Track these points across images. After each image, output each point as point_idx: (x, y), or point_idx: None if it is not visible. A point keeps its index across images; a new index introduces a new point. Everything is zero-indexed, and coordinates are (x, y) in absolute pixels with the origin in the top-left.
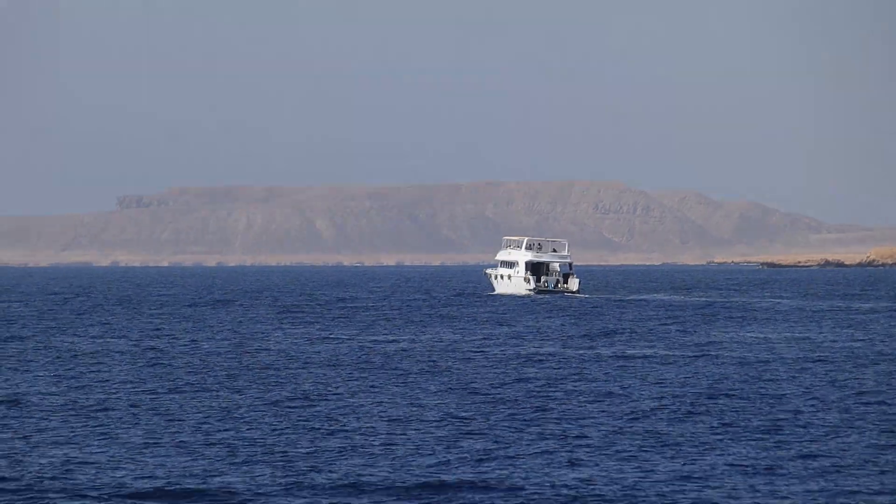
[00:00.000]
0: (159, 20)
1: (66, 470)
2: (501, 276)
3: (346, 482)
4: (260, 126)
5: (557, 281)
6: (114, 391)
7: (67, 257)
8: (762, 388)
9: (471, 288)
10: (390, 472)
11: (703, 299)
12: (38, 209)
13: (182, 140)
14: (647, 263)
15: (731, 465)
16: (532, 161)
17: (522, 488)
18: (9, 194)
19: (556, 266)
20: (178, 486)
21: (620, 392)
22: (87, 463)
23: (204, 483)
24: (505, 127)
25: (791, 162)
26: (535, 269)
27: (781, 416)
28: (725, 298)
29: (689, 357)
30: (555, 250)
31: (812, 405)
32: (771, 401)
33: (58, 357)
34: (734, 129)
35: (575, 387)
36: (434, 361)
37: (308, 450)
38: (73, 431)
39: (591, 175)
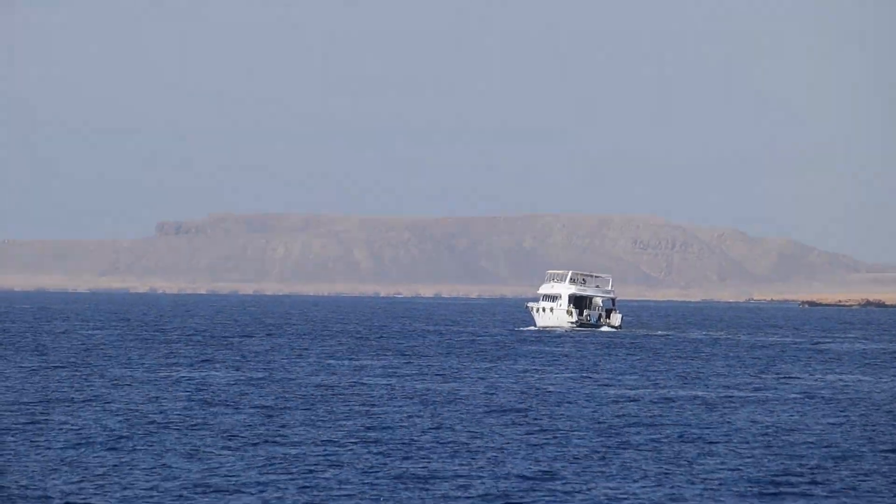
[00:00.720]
0: (202, 49)
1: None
2: (543, 309)
3: None
4: (299, 155)
5: (600, 315)
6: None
7: (106, 283)
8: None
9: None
10: None
11: (772, 338)
12: (78, 234)
13: (222, 167)
14: (686, 300)
15: None
16: (570, 194)
17: None
18: (49, 218)
19: (599, 301)
20: None
21: (705, 436)
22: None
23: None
24: (543, 159)
25: (831, 201)
26: (578, 302)
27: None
28: (806, 338)
29: (788, 400)
30: (598, 285)
31: None
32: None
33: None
34: (773, 166)
35: (662, 430)
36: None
37: (385, 487)
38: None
39: (629, 208)
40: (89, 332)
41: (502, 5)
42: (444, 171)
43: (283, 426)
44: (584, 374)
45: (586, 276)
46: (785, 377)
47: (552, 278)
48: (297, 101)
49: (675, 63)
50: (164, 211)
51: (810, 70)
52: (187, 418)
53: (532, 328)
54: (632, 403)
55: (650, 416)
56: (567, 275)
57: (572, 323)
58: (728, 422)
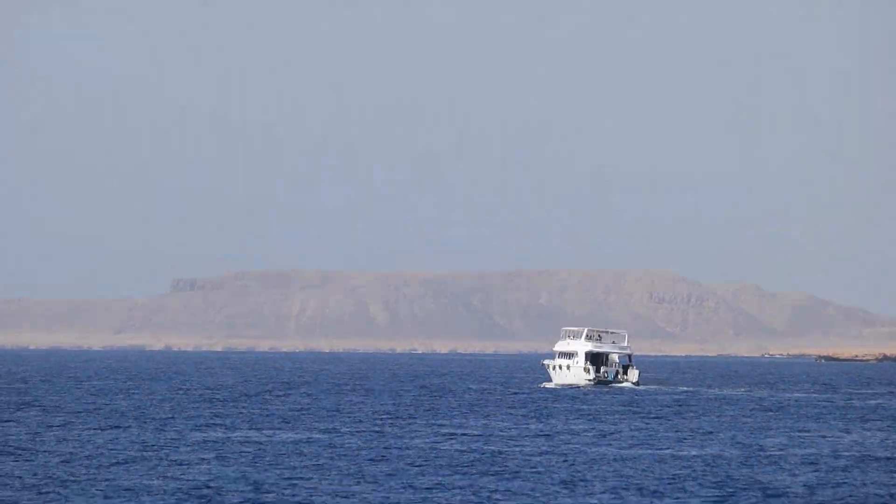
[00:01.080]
0: (216, 105)
1: None
2: (560, 367)
3: None
4: (316, 211)
5: (617, 372)
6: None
7: (121, 340)
8: None
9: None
10: None
11: (795, 395)
12: (93, 292)
13: (237, 223)
14: (702, 354)
15: None
16: (586, 249)
17: None
18: (64, 276)
19: (616, 357)
20: None
21: (740, 498)
22: None
23: None
24: (558, 214)
25: (847, 254)
26: (595, 359)
27: None
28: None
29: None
30: (614, 341)
31: None
32: None
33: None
34: (789, 221)
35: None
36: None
37: None
38: None
39: (645, 263)
40: (118, 392)
41: (513, 64)
42: (460, 227)
43: (313, 489)
44: (610, 434)
45: (602, 332)
46: (814, 435)
47: (568, 335)
48: (312, 157)
49: (691, 119)
50: (179, 268)
51: (825, 123)
52: (222, 479)
53: (549, 385)
54: (660, 464)
55: (682, 477)
56: (583, 332)
57: (590, 380)
58: (762, 482)
